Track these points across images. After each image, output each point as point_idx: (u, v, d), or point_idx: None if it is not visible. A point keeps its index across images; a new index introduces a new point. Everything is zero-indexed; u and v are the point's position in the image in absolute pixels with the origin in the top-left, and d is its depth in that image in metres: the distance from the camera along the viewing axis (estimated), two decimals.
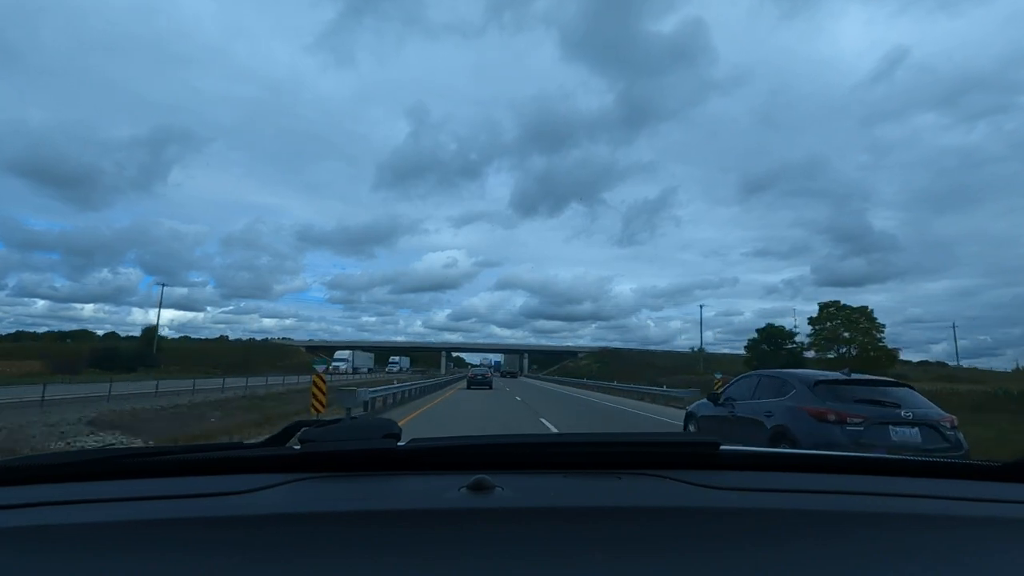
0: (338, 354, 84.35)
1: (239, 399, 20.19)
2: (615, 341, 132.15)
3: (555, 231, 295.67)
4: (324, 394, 13.80)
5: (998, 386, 23.97)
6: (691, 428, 8.87)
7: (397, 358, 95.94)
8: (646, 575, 0.65)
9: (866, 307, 52.27)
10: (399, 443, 1.04)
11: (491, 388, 36.07)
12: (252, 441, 1.36)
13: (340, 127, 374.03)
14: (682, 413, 11.94)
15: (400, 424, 1.16)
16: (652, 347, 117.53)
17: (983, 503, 0.93)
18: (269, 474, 0.96)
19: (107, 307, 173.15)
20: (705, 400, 8.67)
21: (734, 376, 10.07)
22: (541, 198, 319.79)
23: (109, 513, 0.81)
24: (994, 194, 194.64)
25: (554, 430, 13.15)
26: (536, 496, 0.88)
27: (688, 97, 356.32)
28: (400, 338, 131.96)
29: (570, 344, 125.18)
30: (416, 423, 14.06)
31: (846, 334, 50.77)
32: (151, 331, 70.95)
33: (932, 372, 57.53)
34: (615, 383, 37.92)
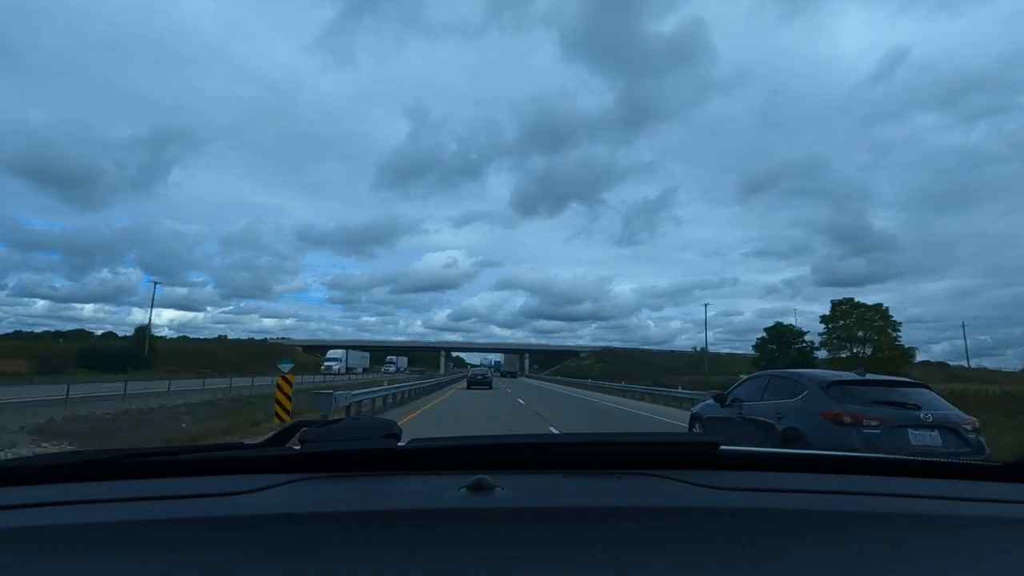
0: (331, 353, 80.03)
1: (219, 401, 18.91)
2: (615, 341, 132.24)
3: (555, 231, 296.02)
4: (290, 399, 12.07)
5: (1005, 387, 23.49)
6: (696, 430, 8.60)
7: (394, 358, 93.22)
8: (646, 575, 0.66)
9: (881, 304, 50.10)
10: (399, 443, 1.04)
11: (491, 388, 36.19)
12: (252, 441, 1.36)
13: (340, 127, 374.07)
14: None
15: None
16: (653, 347, 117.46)
17: (983, 503, 0.93)
18: (269, 474, 0.96)
19: (107, 307, 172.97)
20: (711, 401, 8.42)
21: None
22: (541, 198, 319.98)
23: (109, 513, 0.81)
24: (994, 194, 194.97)
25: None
26: (536, 496, 0.88)
27: (688, 97, 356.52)
28: (400, 338, 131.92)
29: (570, 344, 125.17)
30: (407, 430, 13.55)
31: (860, 333, 48.74)
32: (144, 330, 68.85)
33: (935, 372, 56.16)
34: (623, 384, 36.22)
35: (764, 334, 54.95)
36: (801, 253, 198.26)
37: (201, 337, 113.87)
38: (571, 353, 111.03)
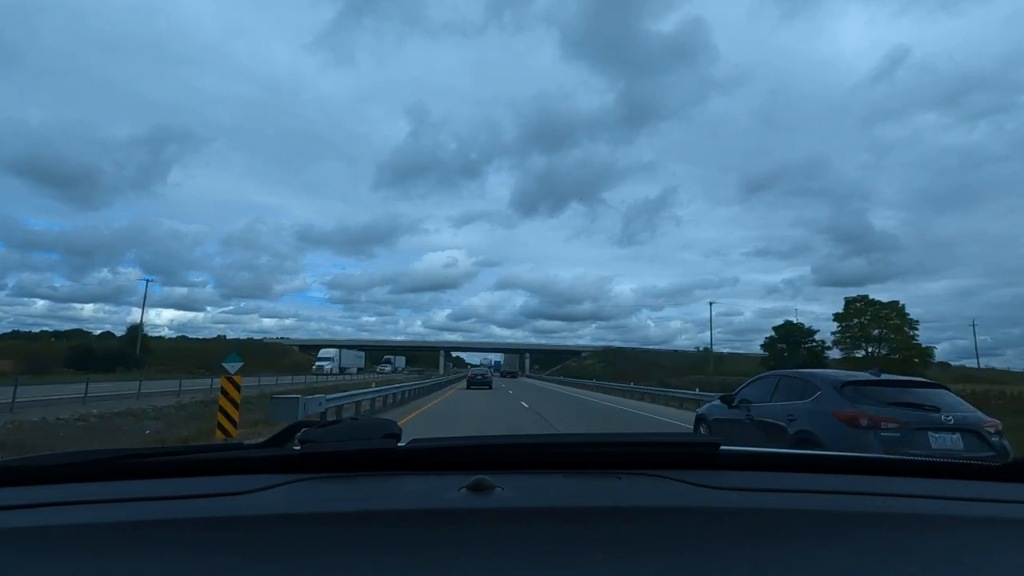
0: (322, 352, 75.69)
1: (194, 404, 17.07)
2: (615, 341, 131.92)
3: (555, 231, 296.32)
4: (237, 407, 9.45)
5: (1014, 387, 22.85)
6: (703, 432, 8.19)
7: (391, 357, 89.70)
8: (646, 575, 0.66)
9: (897, 302, 47.98)
10: (399, 443, 1.04)
11: (491, 388, 36.24)
12: (252, 442, 1.36)
13: (340, 127, 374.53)
14: None
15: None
16: (653, 347, 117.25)
17: (983, 503, 0.93)
18: (269, 475, 0.96)
19: (107, 307, 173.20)
20: (717, 402, 8.19)
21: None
22: (541, 198, 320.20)
23: (109, 514, 0.81)
24: (994, 194, 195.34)
25: None
26: (536, 496, 0.88)
27: (688, 96, 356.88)
28: (400, 338, 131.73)
29: (571, 344, 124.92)
30: (404, 432, 12.41)
31: (876, 331, 47.05)
32: (137, 329, 66.85)
33: (941, 373, 54.50)
34: (632, 384, 33.88)
35: (772, 333, 53.00)
36: (801, 253, 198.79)
37: (201, 337, 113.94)
38: (572, 353, 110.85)
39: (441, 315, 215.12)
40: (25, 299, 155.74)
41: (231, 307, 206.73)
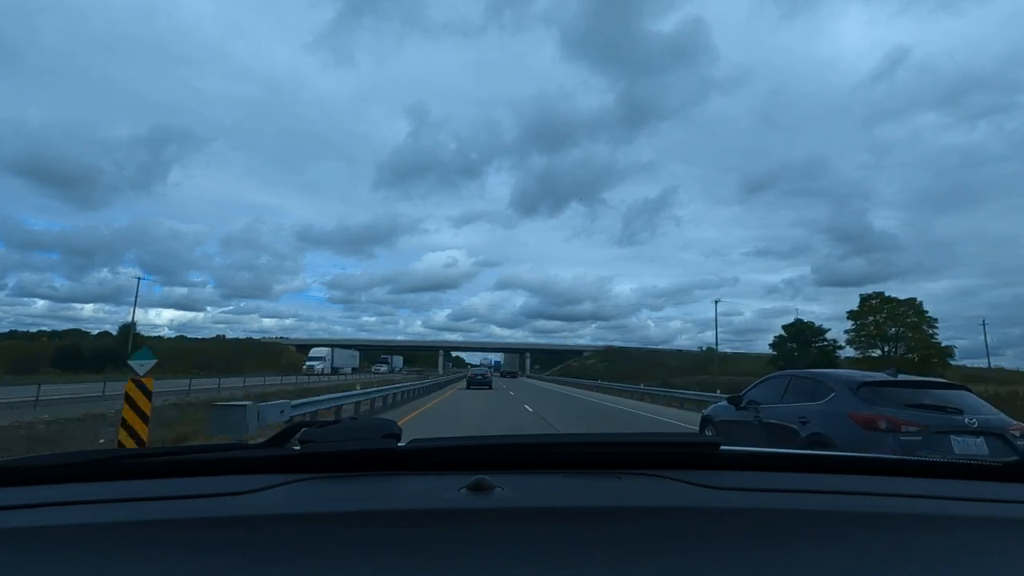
0: (313, 352, 71.44)
1: (167, 407, 14.63)
2: (615, 341, 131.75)
3: (555, 231, 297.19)
4: (147, 420, 7.27)
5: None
6: (708, 434, 7.80)
7: (388, 357, 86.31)
8: (646, 575, 0.65)
9: (914, 299, 45.24)
10: (399, 443, 1.04)
11: (491, 388, 36.28)
12: (252, 442, 1.35)
13: (340, 127, 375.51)
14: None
15: None
16: (654, 346, 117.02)
17: (983, 503, 0.93)
18: (269, 475, 0.96)
19: (107, 307, 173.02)
20: (724, 403, 7.95)
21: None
22: (541, 198, 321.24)
23: (109, 514, 0.81)
24: (994, 194, 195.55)
25: None
26: (536, 496, 0.88)
27: (688, 96, 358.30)
28: (400, 338, 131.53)
29: (571, 343, 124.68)
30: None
31: (893, 329, 44.59)
32: (128, 328, 63.83)
33: (951, 374, 53.23)
34: (642, 386, 31.42)
35: (781, 332, 50.15)
36: (801, 253, 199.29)
37: (200, 337, 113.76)
38: (574, 352, 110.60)
39: (441, 315, 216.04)
40: (25, 299, 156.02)
41: (231, 307, 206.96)
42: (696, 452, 1.10)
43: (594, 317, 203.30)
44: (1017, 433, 5.27)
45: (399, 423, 1.15)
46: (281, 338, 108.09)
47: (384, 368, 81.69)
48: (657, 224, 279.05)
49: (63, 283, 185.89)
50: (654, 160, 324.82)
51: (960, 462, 1.13)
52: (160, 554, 0.70)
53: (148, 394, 7.46)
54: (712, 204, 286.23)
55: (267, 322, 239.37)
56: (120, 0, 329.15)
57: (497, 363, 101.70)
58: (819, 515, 0.85)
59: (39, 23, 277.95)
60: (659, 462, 1.03)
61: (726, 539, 0.75)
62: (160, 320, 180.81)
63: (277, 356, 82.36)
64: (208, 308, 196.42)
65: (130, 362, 8.03)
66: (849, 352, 47.54)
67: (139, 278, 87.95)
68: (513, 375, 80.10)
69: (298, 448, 1.05)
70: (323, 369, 65.02)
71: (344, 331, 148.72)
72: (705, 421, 8.50)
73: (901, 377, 5.90)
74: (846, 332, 47.83)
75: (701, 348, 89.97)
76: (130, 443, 7.23)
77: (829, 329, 48.53)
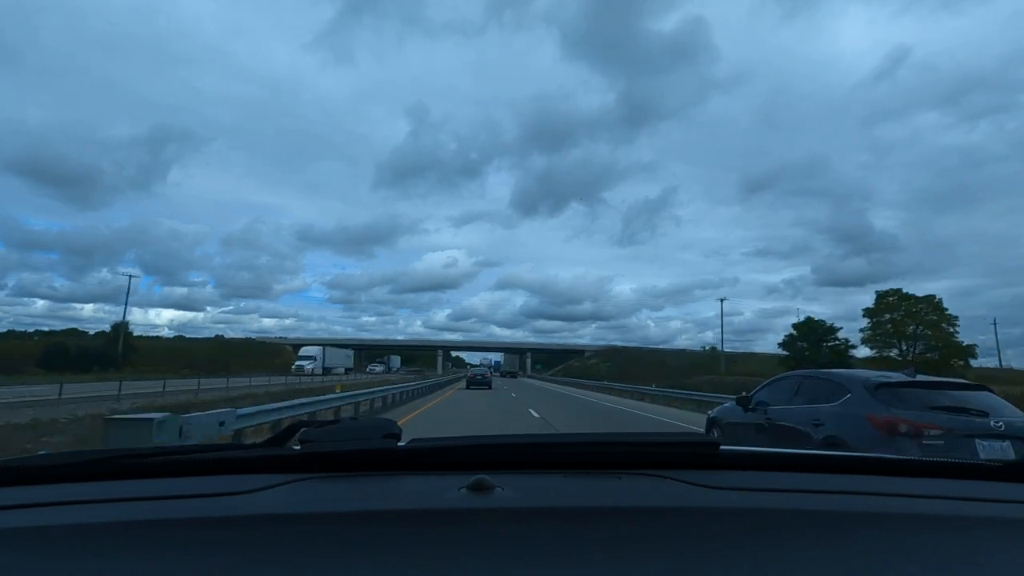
0: (303, 350, 67.82)
1: (70, 423, 11.63)
2: (615, 341, 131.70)
3: (555, 231, 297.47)
4: None
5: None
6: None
7: (385, 357, 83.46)
8: (646, 575, 0.65)
9: (933, 296, 43.14)
10: (399, 443, 1.04)
11: (491, 388, 36.36)
12: (252, 442, 1.35)
13: (340, 126, 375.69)
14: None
15: None
16: (655, 346, 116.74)
17: (983, 503, 0.92)
18: (269, 474, 0.96)
19: (107, 307, 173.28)
20: (732, 404, 7.70)
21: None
22: (541, 198, 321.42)
23: (109, 514, 0.81)
24: (994, 194, 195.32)
25: None
26: (536, 496, 0.88)
27: (689, 96, 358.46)
28: (400, 337, 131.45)
29: (572, 343, 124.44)
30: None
31: (911, 328, 42.60)
32: (120, 327, 61.53)
33: (962, 373, 51.34)
34: (654, 387, 29.55)
35: (791, 331, 47.85)
36: (802, 253, 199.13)
37: (200, 337, 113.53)
38: (575, 352, 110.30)
39: (441, 315, 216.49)
40: (25, 299, 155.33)
41: (231, 307, 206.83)
42: (696, 452, 1.09)
43: (594, 317, 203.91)
44: None
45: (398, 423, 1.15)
46: (280, 338, 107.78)
47: (380, 368, 79.54)
48: (657, 224, 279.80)
49: (63, 283, 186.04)
50: (654, 160, 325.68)
51: (960, 462, 1.13)
52: (160, 554, 0.69)
53: None
54: (712, 204, 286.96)
55: (267, 322, 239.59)
56: (120, 0, 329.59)
57: (497, 363, 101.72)
58: (819, 515, 0.85)
59: (39, 23, 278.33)
60: (659, 462, 1.03)
61: (726, 539, 0.75)
62: (160, 320, 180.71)
63: (275, 356, 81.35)
64: (208, 308, 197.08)
65: None
66: (863, 351, 46.09)
67: (130, 276, 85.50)
68: (513, 375, 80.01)
69: (298, 448, 1.05)
70: (313, 369, 61.66)
71: (344, 331, 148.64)
72: (711, 423, 8.27)
73: (920, 377, 5.68)
74: (861, 331, 46.17)
75: (704, 348, 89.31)
76: None
77: (841, 328, 46.62)
